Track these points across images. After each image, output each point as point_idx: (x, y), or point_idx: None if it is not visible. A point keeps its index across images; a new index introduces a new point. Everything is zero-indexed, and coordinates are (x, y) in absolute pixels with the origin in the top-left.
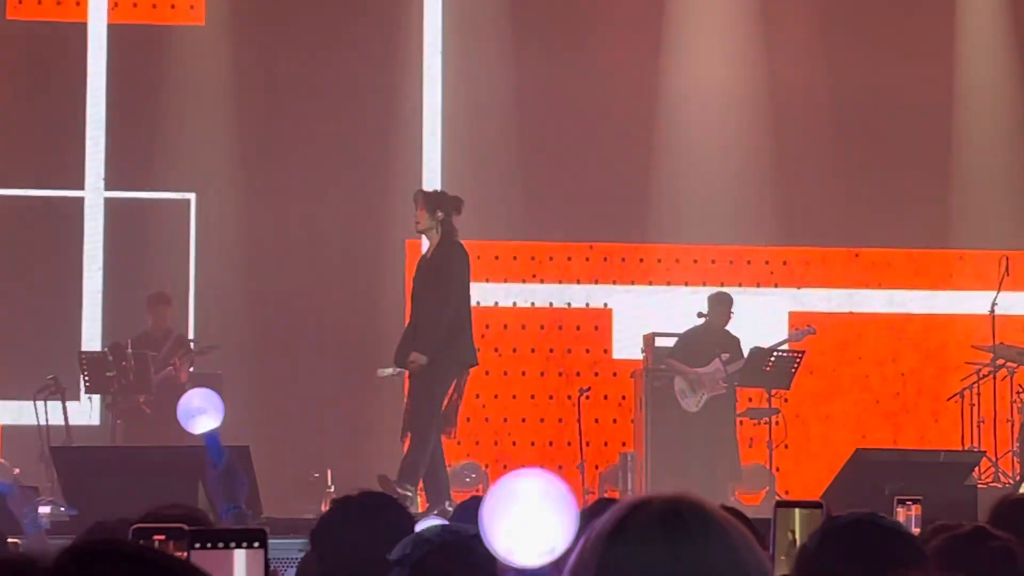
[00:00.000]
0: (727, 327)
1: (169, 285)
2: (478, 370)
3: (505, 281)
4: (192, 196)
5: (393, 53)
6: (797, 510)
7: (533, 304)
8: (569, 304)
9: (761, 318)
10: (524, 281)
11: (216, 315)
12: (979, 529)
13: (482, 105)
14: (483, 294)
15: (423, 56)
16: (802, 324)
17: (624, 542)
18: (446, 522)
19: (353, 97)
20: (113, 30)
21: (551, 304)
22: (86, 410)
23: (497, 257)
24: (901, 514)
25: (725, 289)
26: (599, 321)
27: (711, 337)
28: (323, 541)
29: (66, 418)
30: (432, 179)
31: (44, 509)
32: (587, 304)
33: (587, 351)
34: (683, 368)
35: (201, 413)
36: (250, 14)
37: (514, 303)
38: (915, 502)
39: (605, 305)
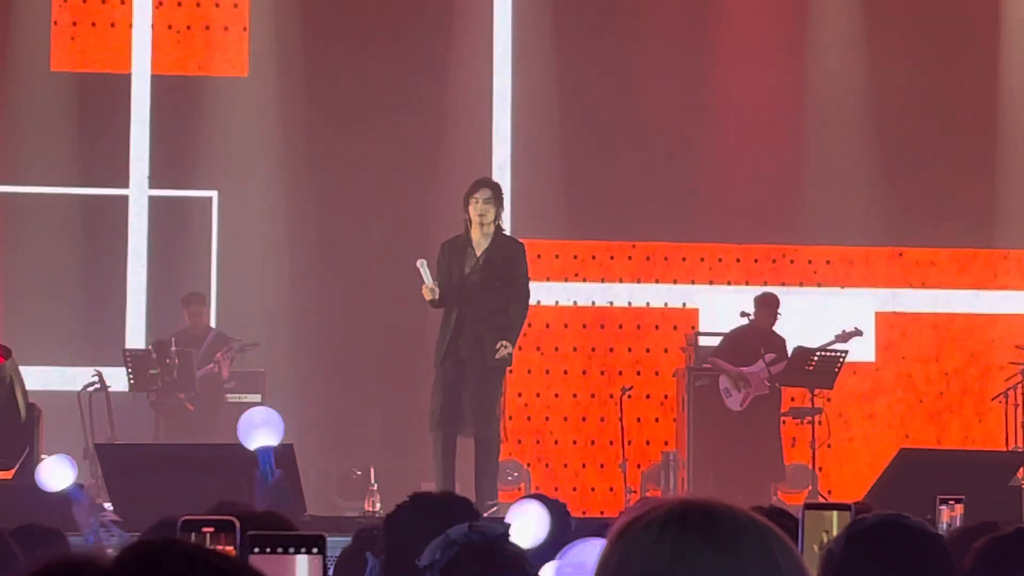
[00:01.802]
0: (774, 327)
1: (209, 283)
2: (520, 368)
3: (548, 280)
4: (215, 194)
5: (442, 64)
6: (835, 512)
7: (575, 303)
8: (611, 303)
9: (808, 317)
10: (567, 280)
11: (256, 312)
12: (1021, 531)
13: (526, 106)
14: None
15: (479, 68)
16: (888, 325)
17: (626, 541)
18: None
19: (401, 103)
20: (157, 81)
21: (593, 303)
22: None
23: (539, 256)
24: (944, 513)
25: (769, 288)
26: (641, 320)
27: (756, 337)
28: (395, 531)
29: (111, 415)
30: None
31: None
32: (629, 303)
33: (629, 350)
34: (727, 366)
35: (261, 430)
36: (294, 59)
37: (556, 302)
38: (958, 501)
39: (647, 304)
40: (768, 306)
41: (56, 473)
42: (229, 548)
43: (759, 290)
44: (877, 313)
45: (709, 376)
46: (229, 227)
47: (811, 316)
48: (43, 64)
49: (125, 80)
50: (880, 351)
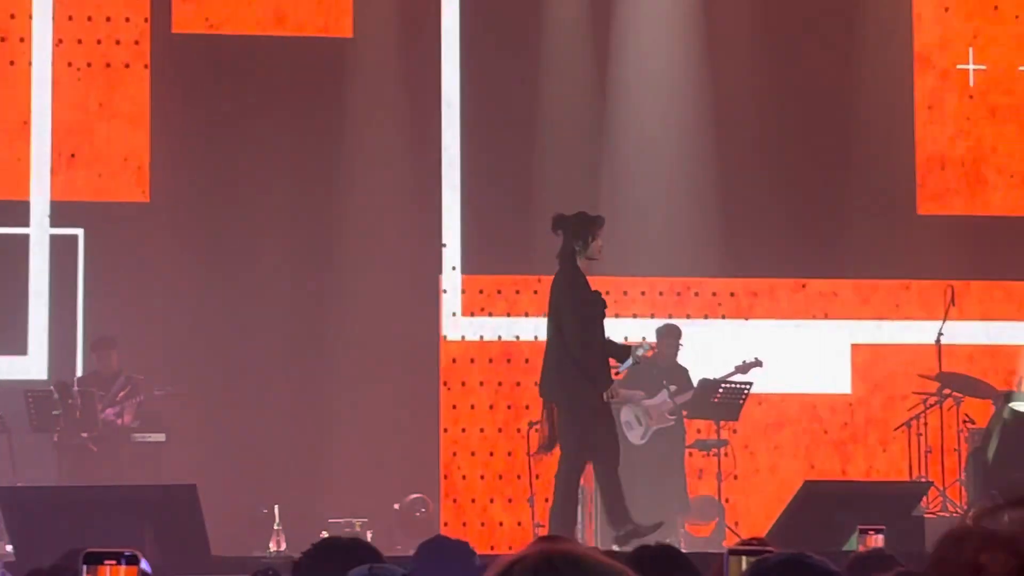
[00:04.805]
0: (676, 359)
1: (117, 322)
2: (431, 404)
3: (454, 315)
4: (80, 232)
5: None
6: (743, 558)
7: (482, 337)
8: (518, 337)
9: (709, 350)
10: (473, 314)
11: (158, 351)
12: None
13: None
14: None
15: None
16: (871, 356)
17: None
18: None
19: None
20: (56, 207)
21: (500, 337)
22: (35, 365)
23: (446, 290)
24: (866, 544)
25: (673, 321)
26: None
27: (657, 368)
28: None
29: (12, 456)
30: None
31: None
32: (536, 337)
33: (536, 384)
34: (631, 395)
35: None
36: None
37: (463, 336)
38: (878, 531)
39: None
40: (670, 337)
41: None
42: None
43: (663, 323)
44: (853, 345)
45: (613, 409)
46: (110, 264)
47: (715, 348)
48: None
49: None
50: (859, 384)
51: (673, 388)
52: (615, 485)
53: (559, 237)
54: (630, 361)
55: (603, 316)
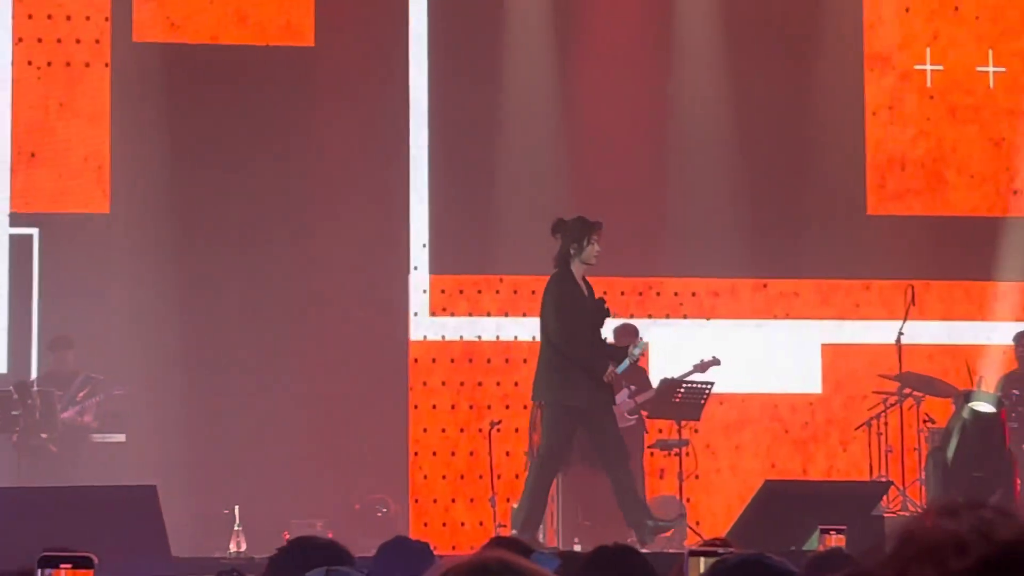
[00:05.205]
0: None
1: (73, 321)
2: (393, 403)
3: (416, 315)
4: (35, 231)
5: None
6: (702, 558)
7: (443, 337)
8: (479, 337)
9: (671, 350)
10: (434, 314)
11: (115, 350)
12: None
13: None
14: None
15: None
16: (832, 356)
17: None
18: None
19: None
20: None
21: (461, 337)
22: None
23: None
24: (826, 544)
25: (633, 321)
26: (509, 354)
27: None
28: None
29: None
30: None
31: None
32: (497, 337)
33: (497, 384)
34: None
35: None
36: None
37: (424, 336)
38: (839, 532)
39: (515, 338)
40: (628, 337)
41: None
42: None
43: (621, 323)
44: (823, 345)
45: None
46: (66, 263)
47: (672, 348)
48: None
49: None
50: (820, 383)
51: (633, 388)
52: (628, 487)
53: (558, 240)
54: (627, 362)
55: (600, 320)
